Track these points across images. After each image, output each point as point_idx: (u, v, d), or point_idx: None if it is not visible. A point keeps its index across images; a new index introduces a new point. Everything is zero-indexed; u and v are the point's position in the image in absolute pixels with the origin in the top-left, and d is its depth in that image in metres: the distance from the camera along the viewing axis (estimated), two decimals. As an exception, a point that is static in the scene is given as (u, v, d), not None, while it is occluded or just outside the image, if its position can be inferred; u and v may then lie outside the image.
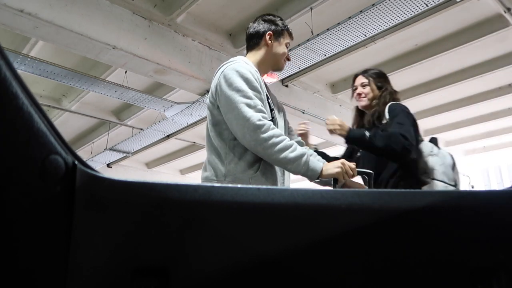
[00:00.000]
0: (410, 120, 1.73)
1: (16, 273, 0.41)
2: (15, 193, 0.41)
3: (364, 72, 2.00)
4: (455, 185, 1.73)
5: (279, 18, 1.61)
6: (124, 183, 0.47)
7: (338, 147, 6.69)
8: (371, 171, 1.46)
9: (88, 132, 7.23)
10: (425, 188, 1.65)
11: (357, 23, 3.61)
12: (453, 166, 1.78)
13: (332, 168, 1.35)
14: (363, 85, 1.95)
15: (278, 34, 1.57)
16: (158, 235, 0.46)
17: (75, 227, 0.44)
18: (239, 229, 0.48)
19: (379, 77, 1.97)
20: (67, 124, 6.52)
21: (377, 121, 1.86)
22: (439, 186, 1.66)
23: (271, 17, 1.60)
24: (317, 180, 1.40)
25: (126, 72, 4.82)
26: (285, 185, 1.51)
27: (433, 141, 1.88)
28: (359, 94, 1.96)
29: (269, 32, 1.56)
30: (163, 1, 4.01)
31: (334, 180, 1.39)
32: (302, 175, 1.34)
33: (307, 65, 4.37)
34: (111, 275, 0.45)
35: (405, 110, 1.78)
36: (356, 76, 2.02)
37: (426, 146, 1.81)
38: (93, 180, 0.46)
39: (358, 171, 1.42)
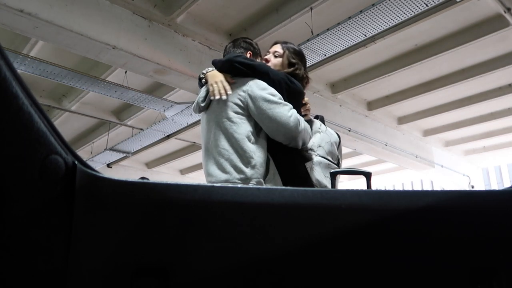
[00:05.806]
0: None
1: (17, 273, 0.41)
2: (15, 193, 0.40)
3: (284, 43, 1.82)
4: (338, 164, 1.66)
5: (254, 42, 1.87)
6: (124, 183, 0.47)
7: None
8: (370, 171, 1.45)
9: (88, 132, 7.23)
10: (308, 164, 1.56)
11: (357, 23, 3.61)
12: (338, 145, 1.72)
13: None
14: (275, 55, 1.78)
15: (255, 55, 1.83)
16: (158, 235, 0.46)
17: (75, 227, 0.43)
18: (239, 229, 0.48)
19: (296, 54, 1.80)
20: (67, 124, 6.51)
21: None
22: (323, 163, 1.59)
23: (249, 40, 1.87)
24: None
25: (126, 72, 4.82)
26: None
27: (321, 119, 1.81)
28: (266, 60, 1.79)
29: (249, 52, 1.80)
30: (163, 1, 4.01)
31: (332, 178, 1.41)
32: None
33: (307, 65, 4.36)
34: (111, 275, 0.45)
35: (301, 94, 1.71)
36: (275, 43, 1.85)
37: (314, 123, 1.73)
38: (93, 180, 0.45)
39: (356, 171, 1.43)
